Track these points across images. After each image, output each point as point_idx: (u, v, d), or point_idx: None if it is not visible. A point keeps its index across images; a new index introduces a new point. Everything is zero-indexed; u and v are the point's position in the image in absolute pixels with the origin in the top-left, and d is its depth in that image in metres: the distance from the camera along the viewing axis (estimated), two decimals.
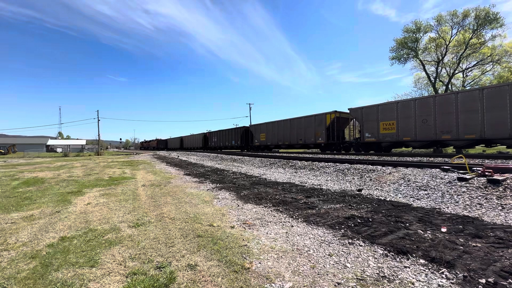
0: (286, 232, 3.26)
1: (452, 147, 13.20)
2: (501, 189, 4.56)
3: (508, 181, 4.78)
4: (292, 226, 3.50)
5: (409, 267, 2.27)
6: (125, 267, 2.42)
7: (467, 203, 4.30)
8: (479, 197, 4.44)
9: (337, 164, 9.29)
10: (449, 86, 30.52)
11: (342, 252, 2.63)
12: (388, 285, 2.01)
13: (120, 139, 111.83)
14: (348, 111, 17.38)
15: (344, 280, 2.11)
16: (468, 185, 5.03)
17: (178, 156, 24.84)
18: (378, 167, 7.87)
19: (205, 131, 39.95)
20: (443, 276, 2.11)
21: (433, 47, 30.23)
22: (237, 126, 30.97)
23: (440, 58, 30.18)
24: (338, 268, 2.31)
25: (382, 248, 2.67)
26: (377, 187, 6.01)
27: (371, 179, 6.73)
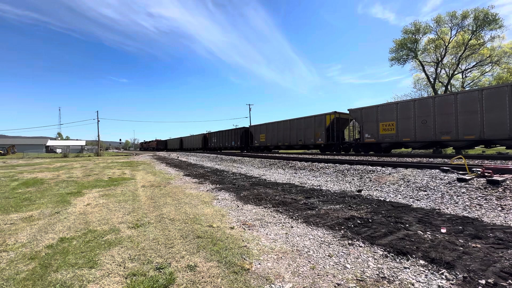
0: (286, 233, 3.26)
1: (451, 147, 13.22)
2: (500, 190, 4.56)
3: (507, 182, 4.79)
4: (292, 227, 3.50)
5: (409, 268, 2.27)
6: (124, 268, 2.42)
7: (467, 203, 4.30)
8: (479, 198, 4.44)
9: (336, 164, 9.29)
10: (449, 87, 30.59)
11: (342, 253, 2.63)
12: (388, 286, 2.01)
13: (120, 139, 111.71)
14: (348, 112, 17.40)
15: (344, 281, 2.11)
16: (467, 185, 5.03)
17: (178, 157, 24.83)
18: (378, 167, 7.87)
19: (205, 132, 39.96)
20: (443, 277, 2.11)
21: (432, 48, 30.31)
22: (237, 127, 30.99)
23: (440, 59, 30.26)
24: (338, 269, 2.31)
25: (382, 249, 2.67)
26: (376, 187, 6.01)
27: (370, 180, 6.73)
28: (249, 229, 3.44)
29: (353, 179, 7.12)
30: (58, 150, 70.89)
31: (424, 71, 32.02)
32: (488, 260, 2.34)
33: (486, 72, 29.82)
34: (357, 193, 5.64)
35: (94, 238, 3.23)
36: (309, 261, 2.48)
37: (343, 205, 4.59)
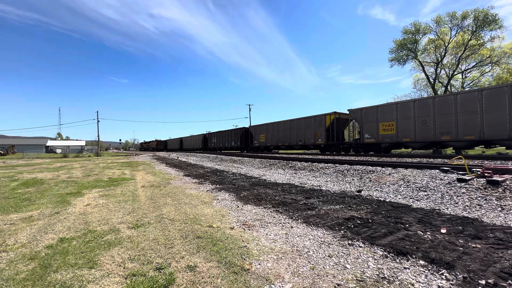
0: (285, 233, 3.26)
1: (451, 148, 13.21)
2: (500, 190, 4.56)
3: (507, 182, 4.79)
4: (292, 227, 3.50)
5: (409, 268, 2.27)
6: (124, 268, 2.41)
7: (467, 204, 4.30)
8: (479, 198, 4.44)
9: (336, 165, 9.29)
10: (448, 87, 30.59)
11: (342, 253, 2.62)
12: (388, 286, 2.01)
13: (120, 140, 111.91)
14: (348, 112, 17.40)
15: (344, 281, 2.11)
16: (467, 186, 5.03)
17: (178, 157, 24.82)
18: (378, 168, 7.87)
19: (205, 132, 39.93)
20: (443, 277, 2.11)
21: (432, 48, 30.30)
22: (237, 127, 30.97)
23: (439, 59, 30.25)
24: (337, 269, 2.31)
25: (382, 249, 2.67)
26: (376, 188, 6.01)
27: (370, 180, 6.73)
28: (249, 229, 3.44)
29: (353, 180, 7.12)
30: (58, 150, 70.83)
31: (424, 71, 32.02)
32: (488, 261, 2.34)
33: (486, 73, 29.82)
34: (357, 193, 5.64)
35: (94, 238, 3.23)
36: (309, 261, 2.48)
37: (343, 205, 4.58)
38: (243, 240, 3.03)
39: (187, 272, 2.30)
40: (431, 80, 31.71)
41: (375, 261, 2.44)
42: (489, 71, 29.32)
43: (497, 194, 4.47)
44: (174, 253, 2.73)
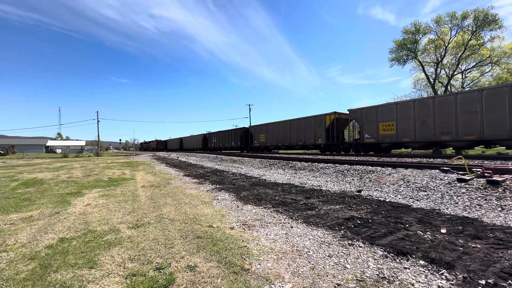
0: (285, 233, 3.26)
1: (451, 148, 13.20)
2: (500, 190, 4.56)
3: (507, 182, 4.79)
4: (292, 227, 3.50)
5: (409, 268, 2.27)
6: (124, 268, 2.42)
7: (467, 204, 4.30)
8: (479, 198, 4.44)
9: (336, 165, 9.29)
10: (448, 87, 30.58)
11: (342, 253, 2.63)
12: (388, 286, 2.01)
13: (120, 140, 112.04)
14: (348, 112, 17.40)
15: (344, 281, 2.11)
16: (467, 186, 5.03)
17: (178, 157, 24.82)
18: (378, 168, 7.87)
19: (205, 132, 39.93)
20: (443, 277, 2.11)
21: (432, 48, 30.29)
22: (237, 127, 30.97)
23: (439, 59, 30.24)
24: (338, 269, 2.31)
25: (381, 249, 2.67)
26: (376, 188, 6.01)
27: (370, 180, 6.73)
28: (249, 229, 3.44)
29: (353, 179, 7.12)
30: (58, 150, 70.88)
31: (424, 71, 32.00)
32: (488, 261, 2.34)
33: (486, 73, 29.80)
34: (357, 193, 5.64)
35: (94, 238, 3.23)
36: (309, 261, 2.48)
37: (343, 205, 4.58)
38: (243, 240, 3.04)
39: (187, 272, 2.31)
40: (431, 80, 31.70)
41: (375, 261, 2.44)
42: (489, 71, 29.32)
43: (497, 194, 4.47)
44: (174, 253, 2.73)
